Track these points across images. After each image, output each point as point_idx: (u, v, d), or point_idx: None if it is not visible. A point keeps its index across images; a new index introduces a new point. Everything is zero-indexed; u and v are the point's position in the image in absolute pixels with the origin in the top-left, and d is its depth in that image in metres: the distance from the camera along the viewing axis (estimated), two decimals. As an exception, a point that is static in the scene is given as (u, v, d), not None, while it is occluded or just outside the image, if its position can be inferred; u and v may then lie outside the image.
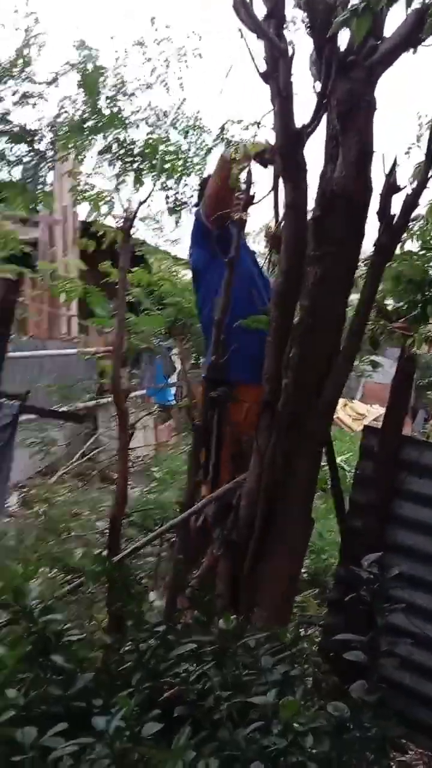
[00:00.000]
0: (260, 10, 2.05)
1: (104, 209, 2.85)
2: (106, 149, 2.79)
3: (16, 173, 3.66)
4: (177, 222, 3.41)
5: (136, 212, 2.61)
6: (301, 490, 2.22)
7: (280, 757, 1.14)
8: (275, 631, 1.60)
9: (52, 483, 5.46)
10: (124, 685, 1.33)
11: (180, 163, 2.82)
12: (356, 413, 11.44)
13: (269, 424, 2.17)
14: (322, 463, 2.43)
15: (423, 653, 1.99)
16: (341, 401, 10.02)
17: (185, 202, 3.26)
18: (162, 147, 2.78)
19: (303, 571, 4.03)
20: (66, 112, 2.91)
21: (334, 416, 9.20)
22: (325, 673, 1.44)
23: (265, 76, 2.03)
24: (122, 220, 2.56)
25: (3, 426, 3.66)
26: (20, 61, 3.20)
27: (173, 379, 8.66)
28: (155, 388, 8.29)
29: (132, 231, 2.76)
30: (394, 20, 2.11)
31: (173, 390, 8.76)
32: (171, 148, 2.83)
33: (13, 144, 3.46)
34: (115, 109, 2.75)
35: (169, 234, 5.38)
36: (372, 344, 2.79)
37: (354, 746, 1.23)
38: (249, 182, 2.31)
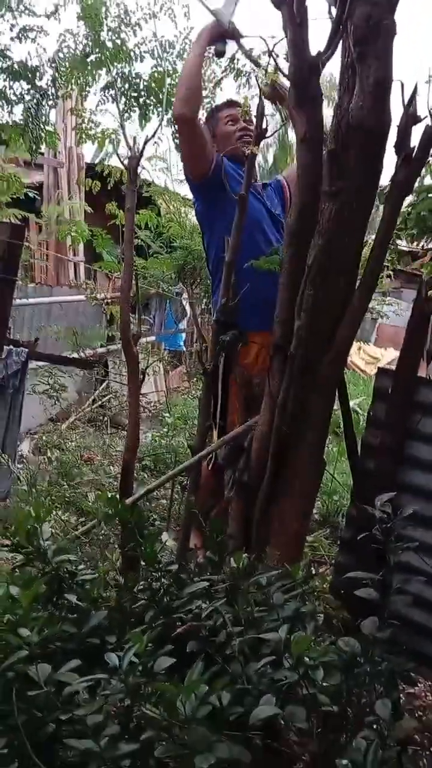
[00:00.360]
0: None
1: (109, 148, 2.76)
2: (110, 85, 2.68)
3: (17, 113, 3.54)
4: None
5: (142, 150, 2.52)
6: (313, 432, 2.21)
7: (291, 690, 1.16)
8: (287, 569, 1.61)
9: (64, 429, 5.50)
10: (137, 623, 1.35)
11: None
12: (370, 356, 11.40)
13: (281, 367, 2.15)
14: (335, 407, 2.41)
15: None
16: (355, 344, 9.98)
17: None
18: (169, 80, 2.66)
19: (314, 512, 4.10)
20: (67, 46, 2.78)
21: (349, 360, 9.18)
22: (336, 609, 1.46)
23: (278, 2, 1.92)
24: (128, 159, 2.48)
25: (12, 373, 3.68)
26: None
27: (183, 324, 8.63)
28: (166, 333, 8.26)
29: (138, 170, 2.68)
30: None
31: (184, 335, 8.75)
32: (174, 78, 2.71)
33: (12, 81, 3.32)
34: (118, 42, 2.62)
35: (178, 174, 5.23)
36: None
37: (364, 679, 1.25)
38: (261, 114, 2.21)
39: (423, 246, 3.38)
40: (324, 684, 1.18)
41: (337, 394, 2.32)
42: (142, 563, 1.66)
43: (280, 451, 2.15)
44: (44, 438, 5.21)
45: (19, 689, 1.12)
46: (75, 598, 1.35)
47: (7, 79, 3.07)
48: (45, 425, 5.65)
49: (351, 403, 3.42)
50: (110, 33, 2.71)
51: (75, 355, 4.52)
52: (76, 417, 5.81)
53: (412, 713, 2.06)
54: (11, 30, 3.26)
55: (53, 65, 3.03)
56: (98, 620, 1.29)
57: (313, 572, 2.23)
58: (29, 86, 3.11)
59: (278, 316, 2.17)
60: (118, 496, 2.43)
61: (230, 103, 2.68)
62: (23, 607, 1.15)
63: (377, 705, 1.22)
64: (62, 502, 3.81)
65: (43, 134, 3.24)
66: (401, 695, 1.41)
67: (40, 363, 4.50)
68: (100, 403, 6.09)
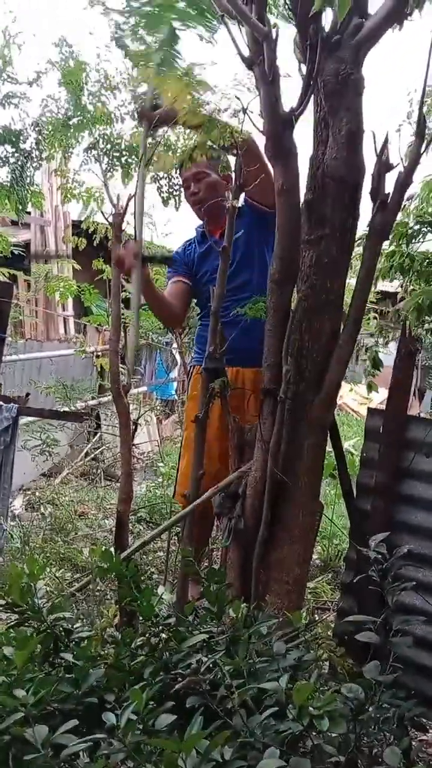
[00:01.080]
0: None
1: (94, 205, 2.83)
2: (93, 146, 2.76)
3: (2, 175, 3.63)
4: (177, 209, 3.38)
5: (126, 206, 2.59)
6: (307, 475, 2.21)
7: (295, 741, 1.13)
8: (288, 618, 1.59)
9: (57, 484, 5.45)
10: (136, 680, 1.32)
11: (168, 153, 2.80)
12: (362, 397, 11.45)
13: (272, 411, 2.16)
14: (329, 449, 2.42)
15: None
16: (347, 386, 10.02)
17: (179, 191, 3.23)
18: (149, 139, 2.75)
19: (315, 557, 4.05)
20: (50, 110, 2.88)
21: (341, 401, 9.22)
22: (340, 656, 1.43)
23: (249, 62, 2.01)
24: (112, 215, 2.54)
25: (3, 429, 3.66)
26: (0, 61, 3.17)
27: (174, 373, 8.67)
28: (157, 383, 8.29)
29: (124, 226, 2.75)
30: (378, -3, 2.09)
31: (175, 384, 8.78)
32: (158, 139, 2.80)
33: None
34: (99, 105, 2.71)
35: (163, 227, 5.35)
36: (373, 365, 2.81)
37: (372, 727, 1.22)
38: (239, 169, 2.28)
39: (404, 286, 3.45)
40: (330, 733, 1.15)
41: (329, 435, 2.34)
42: (140, 618, 1.63)
43: (275, 496, 2.14)
44: (37, 494, 5.16)
45: (16, 753, 1.09)
46: (71, 657, 1.32)
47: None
48: (37, 481, 5.60)
49: (345, 444, 3.41)
50: (90, 97, 2.81)
51: (66, 409, 4.52)
52: (69, 471, 5.76)
53: (426, 761, 1.99)
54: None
55: (36, 129, 3.12)
56: (96, 679, 1.26)
57: (316, 619, 2.20)
58: (14, 149, 3.20)
59: (266, 361, 2.20)
60: (113, 549, 2.40)
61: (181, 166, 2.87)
62: (18, 667, 1.13)
63: (386, 753, 1.18)
64: (57, 558, 3.74)
65: (28, 195, 3.31)
66: (412, 742, 1.37)
67: (31, 418, 4.49)
68: (92, 455, 6.06)
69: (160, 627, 1.54)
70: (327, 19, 2.07)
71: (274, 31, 2.00)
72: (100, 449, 6.07)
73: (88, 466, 5.97)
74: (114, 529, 2.54)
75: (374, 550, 1.48)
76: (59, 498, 5.00)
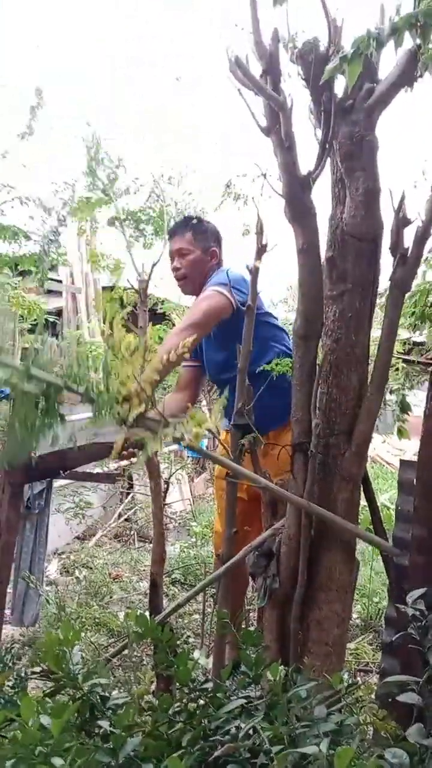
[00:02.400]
0: (255, 68, 2.15)
1: (119, 273, 2.95)
2: (115, 219, 2.90)
3: (34, 247, 3.81)
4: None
5: (150, 274, 2.69)
6: (342, 532, 2.18)
7: None
8: (327, 680, 1.54)
9: (91, 546, 5.43)
10: (174, 748, 1.28)
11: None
12: (396, 449, 11.24)
13: (303, 466, 2.15)
14: (363, 503, 2.38)
15: None
16: (379, 438, 9.89)
17: None
18: (167, 209, 2.89)
19: (354, 616, 3.93)
20: (75, 184, 3.05)
21: (374, 453, 9.09)
22: (382, 719, 1.37)
23: (267, 130, 2.11)
24: (138, 281, 2.64)
25: (37, 493, 3.70)
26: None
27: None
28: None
29: (148, 291, 2.84)
30: (389, 61, 2.18)
31: (205, 441, 8.77)
32: (177, 208, 2.94)
33: (30, 219, 3.61)
34: (116, 178, 2.87)
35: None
36: (402, 409, 2.80)
37: (420, 797, 1.16)
38: (260, 230, 2.35)
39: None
40: (376, 803, 1.10)
41: (362, 489, 2.31)
42: (177, 683, 1.60)
43: (311, 553, 2.11)
44: (71, 557, 5.14)
45: None
46: (108, 725, 1.30)
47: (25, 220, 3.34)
48: (71, 544, 5.59)
49: (381, 498, 3.34)
50: (107, 171, 2.97)
51: (99, 470, 4.55)
52: (103, 533, 5.74)
53: None
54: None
55: (65, 205, 3.29)
56: (133, 747, 1.23)
57: (358, 681, 2.12)
58: (44, 223, 3.36)
59: (295, 416, 2.20)
60: (147, 613, 2.37)
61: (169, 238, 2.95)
62: (55, 736, 1.11)
63: None
64: (92, 623, 3.70)
65: (58, 258, 3.47)
66: None
67: (65, 480, 4.52)
68: (125, 516, 6.04)
69: (197, 693, 1.51)
70: (339, 85, 2.17)
71: (289, 100, 2.10)
72: (133, 510, 6.06)
73: (122, 528, 5.95)
74: (148, 591, 2.52)
75: (412, 606, 1.44)
76: (93, 561, 4.97)
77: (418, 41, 1.91)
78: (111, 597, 4.25)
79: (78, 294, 8.45)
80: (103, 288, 8.78)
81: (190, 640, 3.57)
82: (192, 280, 2.95)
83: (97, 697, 1.38)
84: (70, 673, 1.40)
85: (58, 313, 8.51)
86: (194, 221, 2.90)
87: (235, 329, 2.43)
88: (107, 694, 1.41)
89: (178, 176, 3.24)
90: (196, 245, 2.92)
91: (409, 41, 1.85)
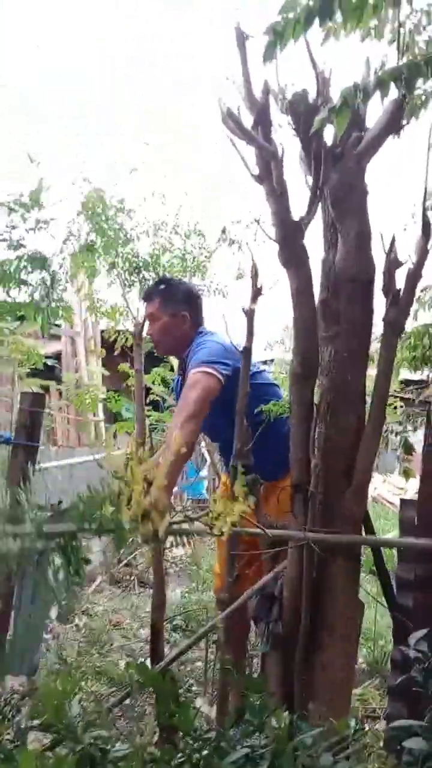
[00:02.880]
0: (247, 119, 2.23)
1: (117, 318, 2.99)
2: (113, 265, 2.96)
3: (34, 294, 3.86)
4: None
5: (145, 318, 2.74)
6: (344, 574, 2.16)
7: None
8: (333, 726, 1.51)
9: (90, 593, 5.35)
10: (178, 802, 1.25)
11: (183, 265, 2.98)
12: (397, 488, 11.17)
13: (302, 507, 2.15)
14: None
15: None
16: (380, 477, 9.83)
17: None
18: (165, 255, 2.95)
19: (361, 660, 3.84)
20: (73, 235, 3.11)
21: (375, 493, 9.01)
22: (394, 766, 1.34)
23: (259, 179, 2.17)
24: (134, 326, 2.69)
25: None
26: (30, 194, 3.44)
27: (204, 471, 8.63)
28: (187, 482, 8.25)
29: (144, 334, 2.88)
30: (376, 109, 2.25)
31: (205, 482, 8.72)
32: (176, 253, 3.00)
33: (31, 268, 3.66)
34: (117, 228, 2.93)
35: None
36: (405, 450, 2.82)
37: None
38: (255, 274, 2.40)
39: (428, 375, 3.48)
40: None
41: (363, 529, 2.29)
42: (179, 734, 1.56)
43: (313, 596, 2.09)
44: (70, 604, 5.05)
45: None
46: (109, 779, 1.27)
47: (25, 267, 3.38)
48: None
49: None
50: (109, 221, 3.04)
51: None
52: (102, 579, 5.66)
53: None
54: (24, 222, 3.64)
55: (62, 252, 3.35)
56: (135, 803, 1.20)
57: (366, 728, 2.07)
58: (42, 271, 3.41)
59: (294, 456, 2.20)
60: (148, 661, 2.33)
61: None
62: (54, 793, 1.08)
63: None
64: (92, 672, 3.62)
65: (59, 311, 3.51)
66: None
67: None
68: (125, 561, 5.96)
69: (201, 743, 1.47)
70: (329, 133, 2.24)
71: (280, 149, 2.16)
72: (133, 554, 5.98)
73: (122, 573, 5.87)
74: (149, 639, 2.48)
75: (414, 648, 1.42)
76: (93, 608, 4.89)
77: (403, 92, 1.99)
78: (111, 645, 4.16)
79: (77, 338, 8.53)
80: (102, 331, 8.87)
81: (193, 688, 3.48)
82: (163, 345, 2.95)
83: (98, 750, 1.35)
84: (70, 725, 1.37)
85: (57, 356, 8.57)
86: (163, 286, 2.89)
87: (228, 396, 2.45)
88: (108, 747, 1.38)
89: (174, 219, 3.30)
90: (165, 311, 2.89)
91: (394, 91, 1.93)
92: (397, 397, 4.34)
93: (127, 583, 5.65)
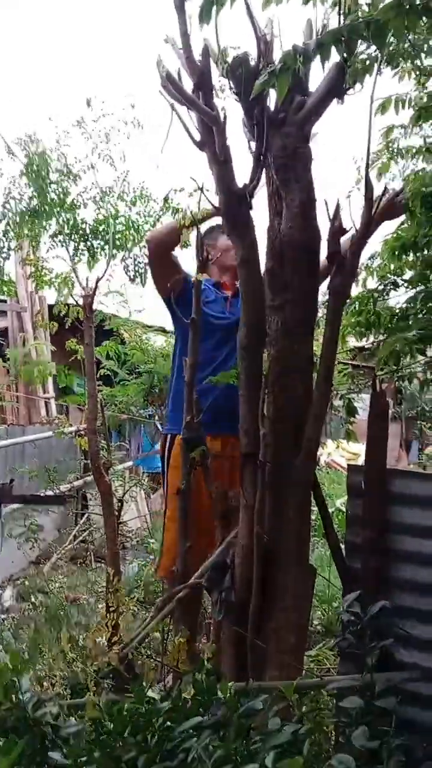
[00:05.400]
0: (188, 83, 2.17)
1: (65, 290, 2.90)
2: (58, 232, 2.86)
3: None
4: (143, 286, 3.45)
5: (94, 289, 2.67)
6: (295, 539, 2.18)
7: None
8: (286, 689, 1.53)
9: (46, 571, 5.31)
10: (131, 773, 1.26)
11: (131, 233, 2.90)
12: (350, 453, 11.37)
13: (253, 477, 2.15)
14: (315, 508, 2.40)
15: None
16: (333, 443, 10.00)
17: (144, 269, 3.31)
18: (112, 222, 2.86)
19: (316, 622, 3.93)
20: (13, 197, 2.98)
21: (329, 459, 9.09)
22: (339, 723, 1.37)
23: (201, 144, 2.12)
24: (82, 298, 2.62)
25: (-13, 518, 3.60)
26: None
27: (159, 445, 8.61)
28: (142, 456, 8.23)
29: (94, 307, 2.81)
30: (320, 73, 2.22)
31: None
32: (121, 221, 2.91)
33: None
34: (61, 193, 2.83)
35: (136, 304, 5.46)
36: (348, 412, 2.86)
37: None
38: (201, 244, 2.36)
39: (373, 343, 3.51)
40: None
41: (313, 495, 2.32)
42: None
43: (265, 563, 2.11)
44: (26, 583, 5.01)
45: None
46: (60, 756, 1.26)
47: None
48: (27, 569, 5.45)
49: (337, 503, 3.33)
50: (53, 185, 2.93)
51: (50, 492, 4.46)
52: (58, 556, 5.62)
53: None
54: None
55: (2, 219, 3.22)
56: (88, 777, 1.20)
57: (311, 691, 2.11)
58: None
59: (243, 426, 2.20)
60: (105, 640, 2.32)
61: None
62: (3, 772, 1.07)
63: None
64: (50, 650, 3.60)
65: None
66: None
67: (15, 505, 4.42)
68: (81, 538, 5.93)
69: (153, 714, 1.48)
70: (272, 98, 2.20)
71: (222, 114, 2.12)
72: (88, 530, 5.95)
73: (78, 549, 5.84)
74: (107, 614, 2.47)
75: (347, 610, 1.44)
76: (49, 586, 4.85)
77: (344, 55, 1.97)
78: (69, 621, 4.14)
79: (23, 313, 8.32)
80: (50, 306, 8.67)
81: (152, 657, 3.51)
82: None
83: (49, 727, 1.34)
84: (19, 702, 1.35)
85: (3, 332, 8.35)
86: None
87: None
88: (59, 724, 1.37)
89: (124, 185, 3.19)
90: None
91: (336, 55, 1.90)
92: (347, 364, 4.38)
93: (84, 559, 5.63)
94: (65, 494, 4.43)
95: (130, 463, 7.52)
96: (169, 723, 1.46)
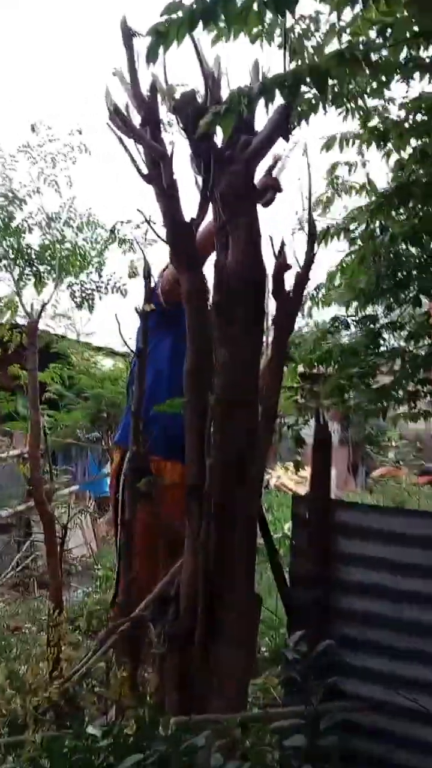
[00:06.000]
0: (136, 116, 2.19)
1: (7, 315, 2.87)
2: (2, 257, 2.84)
3: None
4: (90, 312, 3.44)
5: (39, 314, 2.65)
6: (240, 571, 2.19)
7: None
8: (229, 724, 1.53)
9: (-12, 598, 5.16)
10: None
11: (78, 259, 2.89)
12: (299, 476, 11.47)
13: (198, 507, 2.15)
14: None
15: (383, 718, 1.95)
16: (281, 466, 10.07)
17: (91, 295, 3.31)
18: (58, 247, 2.85)
19: (263, 649, 3.92)
20: None
21: (278, 482, 9.15)
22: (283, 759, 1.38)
23: (148, 178, 2.14)
24: (26, 323, 2.59)
25: None
26: None
27: (107, 468, 8.50)
28: (89, 480, 8.11)
29: (39, 331, 2.78)
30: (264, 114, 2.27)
31: (108, 479, 8.57)
32: (67, 246, 2.91)
33: None
34: (5, 218, 2.81)
35: (83, 327, 5.44)
36: (296, 443, 2.92)
37: None
38: (147, 274, 2.38)
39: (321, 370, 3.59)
40: None
41: (258, 526, 2.34)
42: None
43: (210, 594, 2.10)
44: (-34, 612, 4.84)
45: None
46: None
47: None
48: (-33, 598, 5.28)
49: (285, 527, 3.34)
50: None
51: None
52: (0, 583, 5.47)
53: None
54: None
55: None
56: None
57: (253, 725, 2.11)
58: None
59: (189, 457, 2.21)
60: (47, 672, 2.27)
61: None
62: None
63: None
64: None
65: None
66: None
67: None
68: (23, 564, 5.79)
69: (92, 751, 1.45)
70: (219, 135, 2.24)
71: (169, 149, 2.15)
72: (31, 557, 5.81)
73: (20, 576, 5.69)
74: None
75: (294, 649, 1.46)
76: (-10, 614, 4.71)
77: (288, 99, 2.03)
78: (9, 652, 4.02)
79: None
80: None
81: (95, 689, 3.43)
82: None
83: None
84: None
85: None
86: None
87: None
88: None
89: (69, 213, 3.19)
90: None
91: (280, 97, 1.95)
92: (295, 388, 4.46)
93: (26, 587, 5.49)
94: (8, 521, 4.33)
95: (76, 488, 7.39)
96: (110, 760, 1.44)
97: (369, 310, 3.39)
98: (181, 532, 2.27)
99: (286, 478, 11.11)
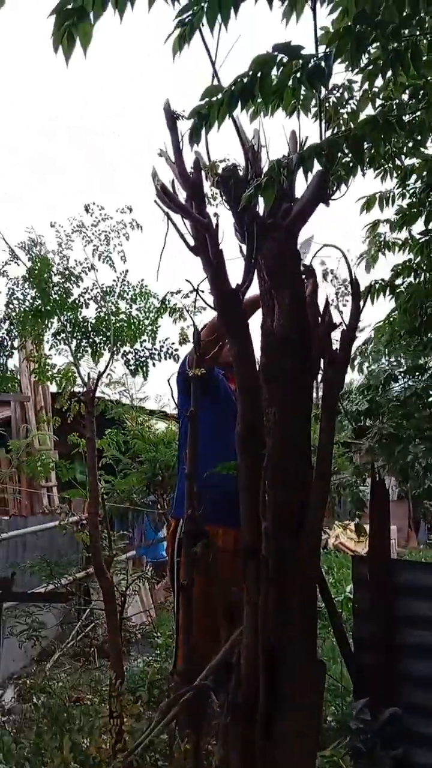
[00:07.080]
0: (182, 193, 2.31)
1: (67, 387, 2.98)
2: (61, 330, 2.97)
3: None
4: (145, 378, 3.53)
5: (96, 383, 2.74)
6: (301, 636, 2.14)
7: None
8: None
9: (48, 669, 5.13)
10: None
11: (131, 329, 3.00)
12: (358, 536, 11.12)
13: (255, 572, 2.13)
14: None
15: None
16: (339, 525, 9.83)
17: (145, 362, 3.40)
18: (113, 319, 2.97)
19: (329, 719, 3.76)
20: (17, 298, 3.11)
21: (337, 542, 8.91)
22: None
23: (195, 250, 2.24)
24: (83, 393, 2.68)
25: (-13, 617, 3.52)
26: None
27: (164, 532, 8.47)
28: (145, 545, 8.09)
29: (96, 399, 2.87)
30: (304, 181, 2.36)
31: (165, 544, 8.53)
32: (121, 317, 3.03)
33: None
34: (63, 294, 2.96)
35: (137, 392, 5.58)
36: (357, 506, 2.90)
37: None
38: (197, 339, 2.45)
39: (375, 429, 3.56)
40: None
41: (318, 589, 2.29)
42: None
43: (271, 662, 2.05)
44: (28, 682, 4.82)
45: None
46: None
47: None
48: (28, 667, 5.26)
49: (347, 589, 3.26)
50: (55, 287, 3.06)
51: (51, 587, 4.37)
52: (60, 653, 5.43)
53: None
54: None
55: (6, 318, 3.34)
56: None
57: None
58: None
59: (243, 519, 2.20)
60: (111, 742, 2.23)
61: None
62: None
63: None
64: (51, 755, 3.43)
65: (5, 380, 3.48)
66: None
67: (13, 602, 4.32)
68: (84, 633, 5.75)
69: None
70: (261, 204, 2.34)
71: (214, 221, 2.25)
72: (91, 626, 5.78)
73: (81, 645, 5.64)
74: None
75: (357, 718, 1.41)
76: (52, 685, 4.67)
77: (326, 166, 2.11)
78: (72, 724, 3.96)
79: (27, 402, 8.41)
80: (53, 394, 8.76)
81: (159, 764, 3.34)
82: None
83: None
84: None
85: (6, 422, 8.41)
86: None
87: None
88: None
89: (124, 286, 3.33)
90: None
91: (318, 165, 2.03)
92: (350, 443, 4.40)
93: (87, 656, 5.43)
94: (68, 590, 4.33)
95: (133, 553, 7.38)
96: None
97: (421, 361, 3.38)
98: (239, 598, 2.25)
99: (345, 538, 10.81)
